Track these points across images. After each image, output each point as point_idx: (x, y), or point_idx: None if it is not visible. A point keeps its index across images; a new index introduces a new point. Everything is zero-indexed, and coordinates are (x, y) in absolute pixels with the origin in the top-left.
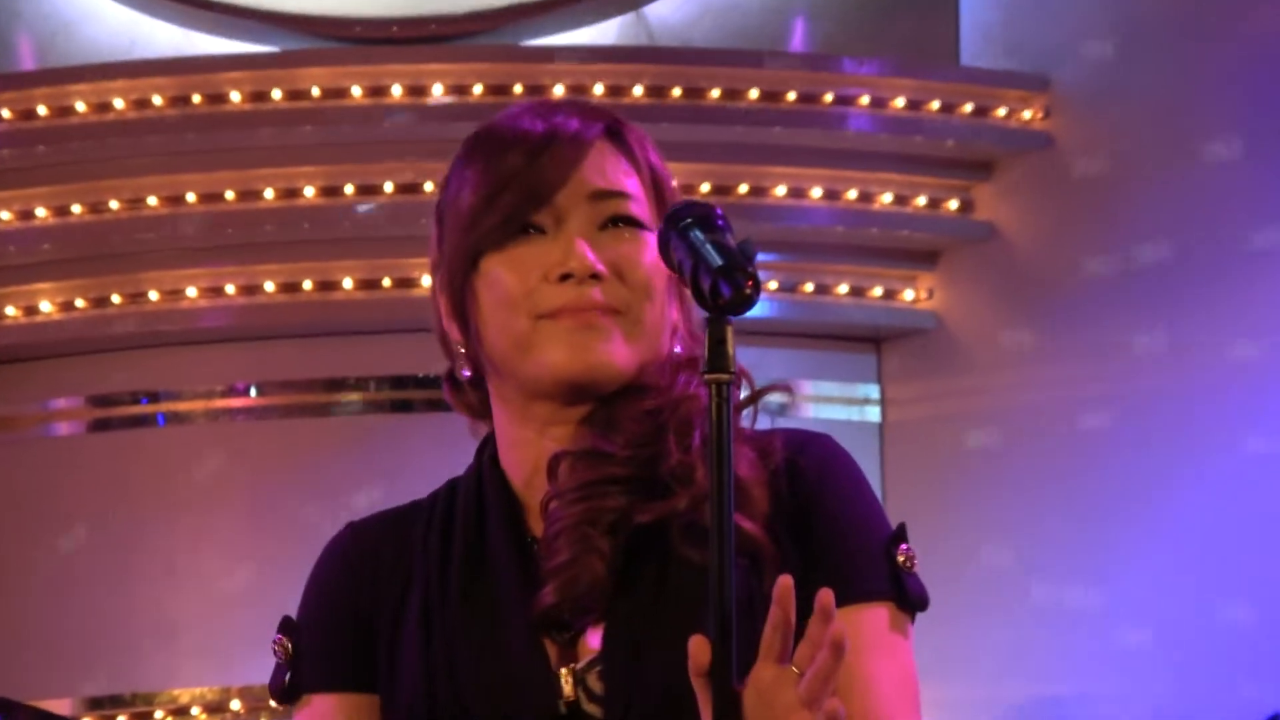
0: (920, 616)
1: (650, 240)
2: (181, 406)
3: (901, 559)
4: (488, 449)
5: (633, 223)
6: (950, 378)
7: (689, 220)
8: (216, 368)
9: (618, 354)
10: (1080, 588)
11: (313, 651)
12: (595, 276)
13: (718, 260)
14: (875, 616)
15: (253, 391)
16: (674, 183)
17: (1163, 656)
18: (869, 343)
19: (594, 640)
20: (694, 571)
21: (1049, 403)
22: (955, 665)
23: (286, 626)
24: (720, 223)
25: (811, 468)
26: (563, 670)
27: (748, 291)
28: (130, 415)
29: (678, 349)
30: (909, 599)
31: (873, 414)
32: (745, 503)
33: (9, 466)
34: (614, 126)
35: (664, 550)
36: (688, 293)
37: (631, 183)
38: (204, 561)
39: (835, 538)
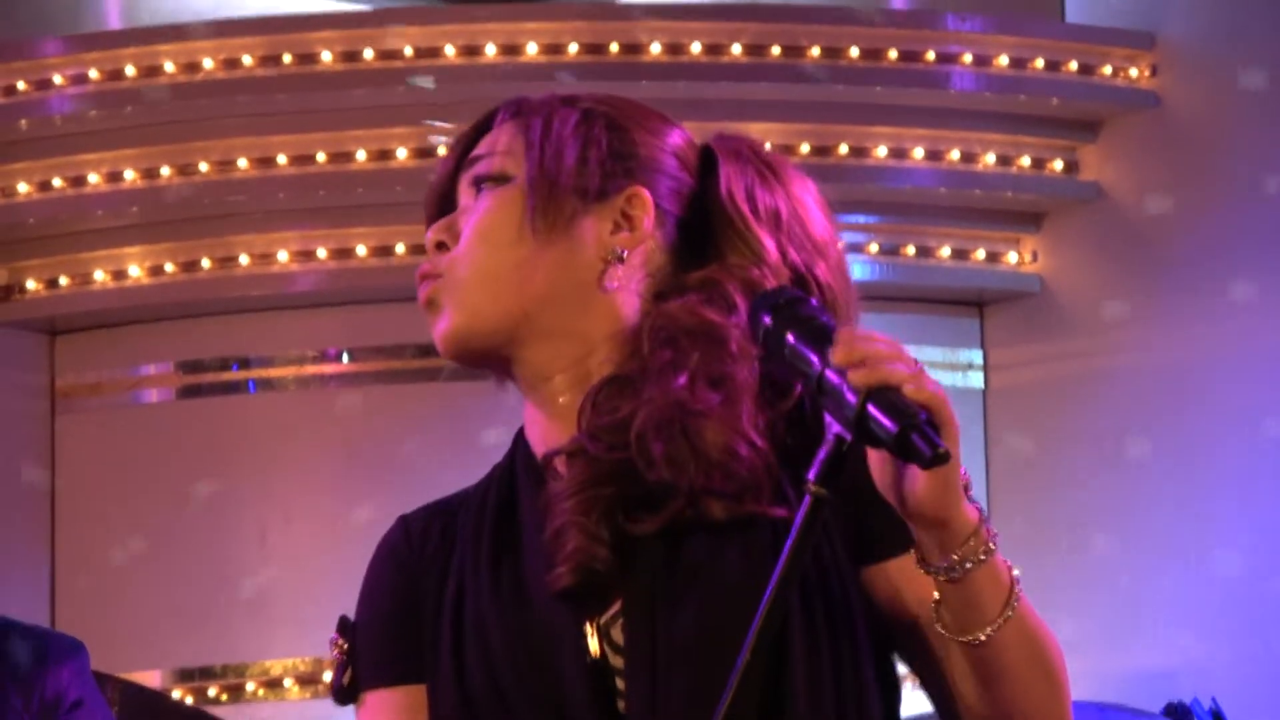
0: (1031, 579)
1: (510, 191)
2: (273, 373)
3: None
4: (519, 434)
5: (488, 179)
6: (1055, 342)
7: (791, 330)
8: (308, 333)
9: (442, 319)
10: (1183, 567)
11: (368, 649)
12: (439, 247)
13: (891, 428)
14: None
15: (345, 357)
16: (572, 150)
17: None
18: (972, 306)
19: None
20: (709, 542)
21: (1156, 367)
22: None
23: (343, 626)
24: (812, 315)
25: None
26: (587, 626)
27: (944, 450)
28: (221, 382)
29: (612, 284)
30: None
31: (975, 380)
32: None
33: (100, 433)
34: (520, 104)
35: (671, 532)
36: (616, 211)
37: (501, 143)
38: (296, 531)
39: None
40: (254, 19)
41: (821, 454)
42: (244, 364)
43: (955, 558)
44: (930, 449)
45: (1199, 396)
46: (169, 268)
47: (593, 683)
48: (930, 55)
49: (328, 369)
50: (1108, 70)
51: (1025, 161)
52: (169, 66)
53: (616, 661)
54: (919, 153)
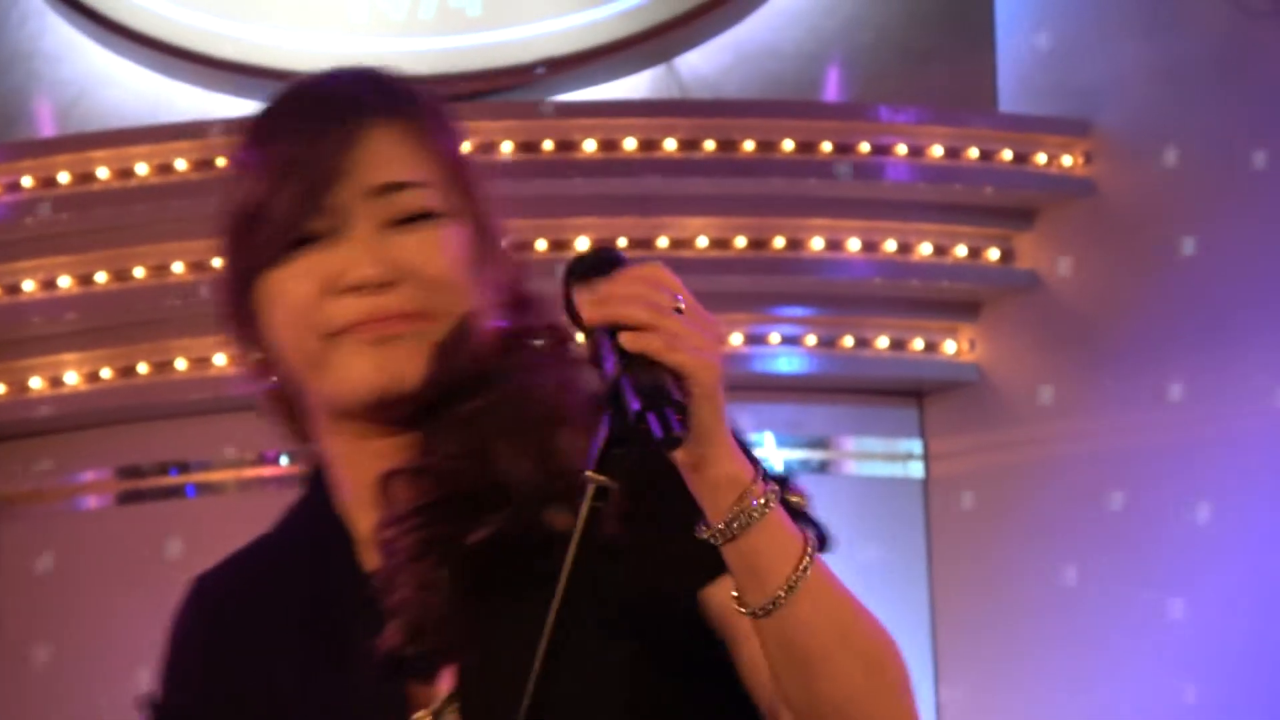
0: (975, 671)
1: (453, 229)
2: (213, 476)
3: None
4: (310, 486)
5: (426, 215)
6: (995, 430)
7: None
8: (247, 436)
9: (423, 366)
10: (1136, 654)
11: (177, 717)
12: (387, 284)
13: (634, 406)
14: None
15: (284, 459)
16: (480, 173)
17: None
18: (911, 396)
19: (450, 679)
20: (546, 585)
21: (1095, 455)
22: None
23: (144, 703)
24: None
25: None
26: (419, 714)
27: (676, 434)
28: (161, 486)
29: (500, 322)
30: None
31: (916, 470)
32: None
33: (38, 541)
34: (401, 105)
35: (513, 567)
36: (510, 254)
37: (422, 169)
38: None
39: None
40: (187, 123)
41: (597, 439)
42: (183, 468)
43: (729, 517)
44: (663, 431)
45: (1137, 483)
46: (106, 373)
47: None
48: (864, 147)
49: (267, 471)
50: (1042, 159)
51: (961, 251)
52: (103, 172)
53: None
54: (854, 244)
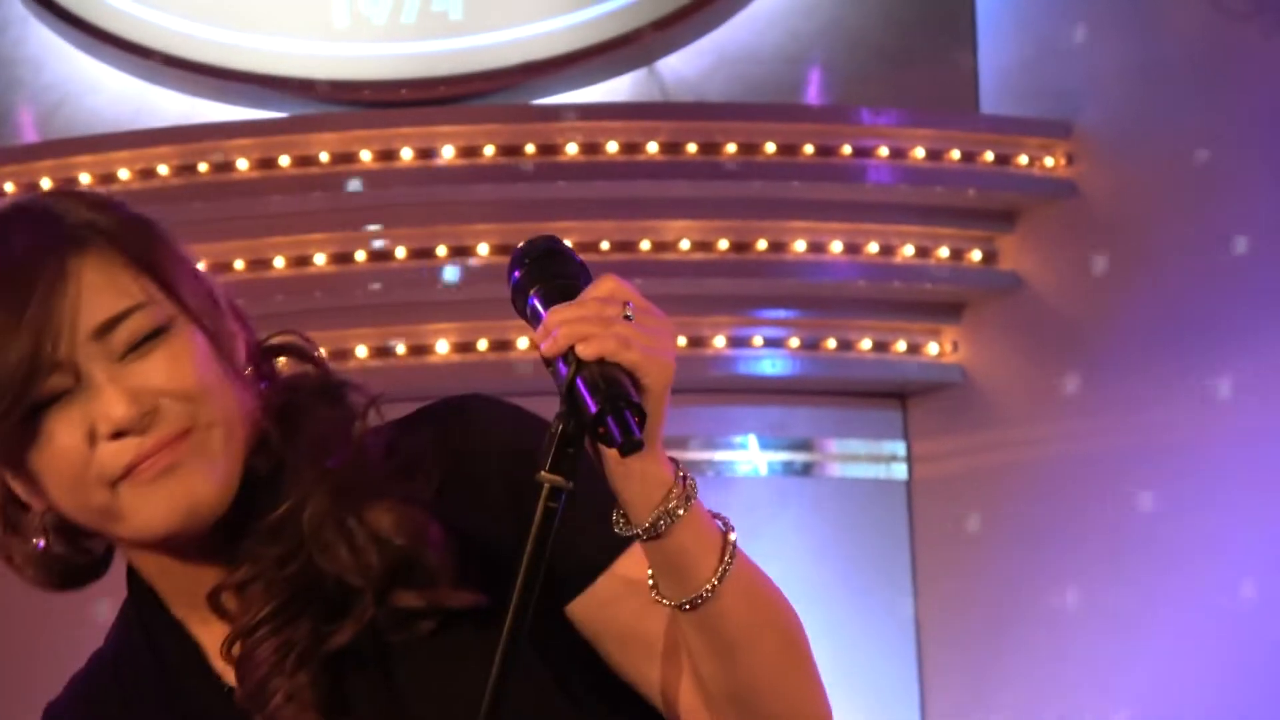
0: (959, 672)
1: (185, 337)
2: None
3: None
4: (135, 593)
5: (155, 334)
6: (978, 432)
7: (527, 286)
8: None
9: (216, 478)
10: (1120, 655)
11: None
12: (145, 415)
13: (592, 409)
14: (634, 563)
15: None
16: (191, 262)
17: None
18: (894, 398)
19: None
20: (422, 654)
21: (1079, 455)
22: None
23: None
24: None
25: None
26: None
27: (637, 439)
28: None
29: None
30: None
31: (900, 471)
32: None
33: None
34: (88, 232)
35: (380, 649)
36: (238, 316)
37: (133, 289)
38: None
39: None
40: (170, 128)
41: (550, 439)
42: None
43: (655, 514)
44: (623, 435)
45: (1121, 483)
46: None
47: None
48: (846, 149)
49: None
50: (1024, 160)
51: (943, 253)
52: (85, 178)
53: None
54: (837, 246)
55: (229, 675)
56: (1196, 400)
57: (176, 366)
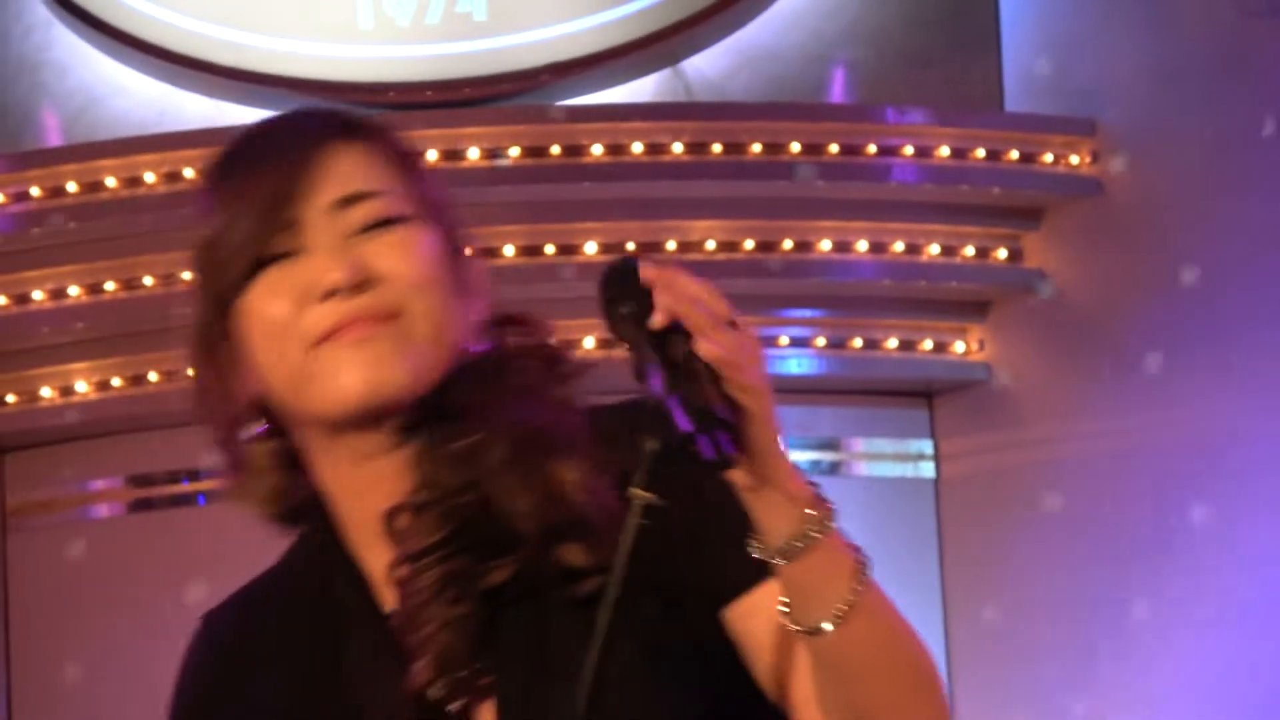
0: (988, 671)
1: (419, 232)
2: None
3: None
4: (315, 515)
5: (390, 221)
6: (1005, 430)
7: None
8: None
9: (410, 365)
10: (1151, 654)
11: None
12: (360, 286)
13: (685, 426)
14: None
15: None
16: (450, 198)
17: None
18: (921, 397)
19: (489, 714)
20: (568, 613)
21: (1108, 452)
22: None
23: None
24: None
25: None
26: None
27: (729, 456)
28: (171, 495)
29: (481, 334)
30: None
31: (927, 470)
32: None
33: (49, 549)
34: (354, 129)
35: (531, 599)
36: (478, 282)
37: (380, 180)
38: None
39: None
40: (196, 131)
41: (644, 459)
42: (194, 476)
43: (788, 537)
44: (715, 452)
45: (1147, 482)
46: (116, 382)
47: None
48: (871, 149)
49: None
50: (1049, 158)
51: (969, 251)
52: (111, 181)
53: None
54: (862, 246)
55: (388, 603)
56: (1227, 396)
57: (404, 252)
